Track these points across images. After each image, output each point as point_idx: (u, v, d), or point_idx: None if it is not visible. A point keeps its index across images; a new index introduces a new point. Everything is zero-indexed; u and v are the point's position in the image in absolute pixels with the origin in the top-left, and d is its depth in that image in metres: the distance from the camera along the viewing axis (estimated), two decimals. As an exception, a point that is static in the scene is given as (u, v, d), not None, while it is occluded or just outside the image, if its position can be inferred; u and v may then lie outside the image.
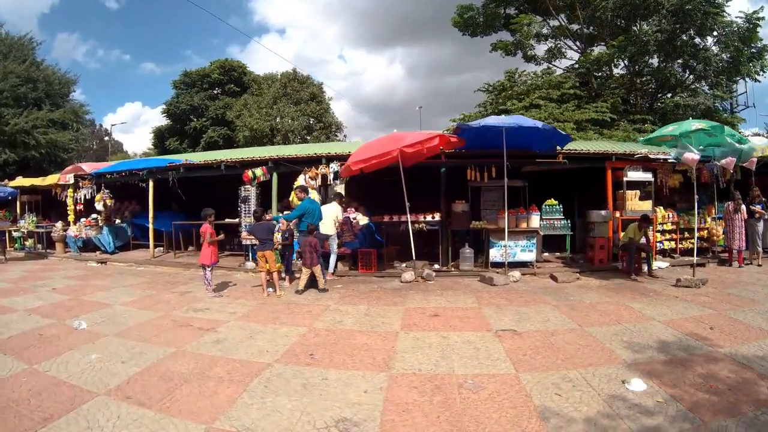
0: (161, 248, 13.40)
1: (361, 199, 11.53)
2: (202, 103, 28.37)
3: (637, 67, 19.53)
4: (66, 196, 14.14)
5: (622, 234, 9.64)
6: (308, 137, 25.50)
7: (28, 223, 15.12)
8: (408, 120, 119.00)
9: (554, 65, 22.10)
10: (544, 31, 21.58)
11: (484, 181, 10.37)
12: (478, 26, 22.29)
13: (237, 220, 11.63)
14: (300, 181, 10.43)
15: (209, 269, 8.03)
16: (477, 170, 10.39)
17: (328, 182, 10.43)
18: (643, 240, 9.11)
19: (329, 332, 5.64)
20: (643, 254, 9.07)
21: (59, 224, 14.50)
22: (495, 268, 9.49)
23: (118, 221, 13.82)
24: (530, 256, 9.86)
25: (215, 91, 28.96)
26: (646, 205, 10.27)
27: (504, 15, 22.12)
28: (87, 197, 13.57)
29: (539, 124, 8.98)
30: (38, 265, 12.23)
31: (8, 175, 17.22)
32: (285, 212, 10.12)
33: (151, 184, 12.54)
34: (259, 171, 10.78)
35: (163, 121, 29.71)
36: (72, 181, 13.78)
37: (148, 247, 13.91)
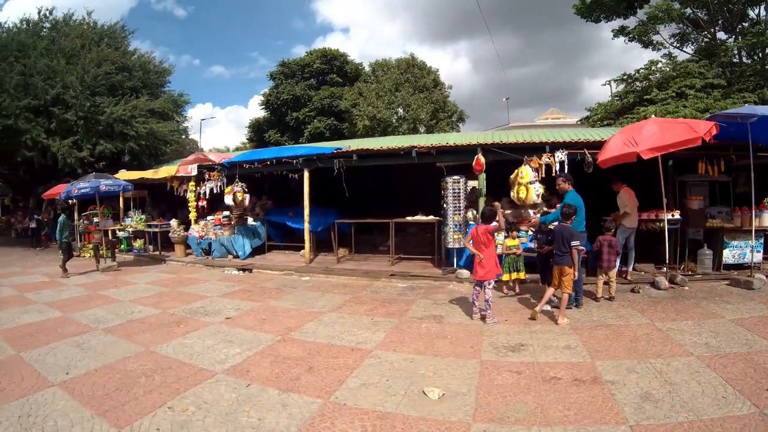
0: (304, 250, 10.79)
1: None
2: (305, 93, 25.67)
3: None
4: (185, 191, 11.61)
5: None
6: (435, 127, 22.87)
7: (136, 221, 12.61)
8: (475, 113, 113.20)
9: (684, 51, 19.78)
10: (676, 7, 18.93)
11: (714, 174, 7.97)
12: (605, 9, 19.70)
13: (430, 217, 9.45)
14: (527, 171, 7.76)
15: (490, 285, 5.34)
16: (708, 164, 7.95)
17: (553, 173, 7.74)
18: None
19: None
20: None
21: (174, 223, 11.98)
22: (726, 270, 7.70)
23: (250, 220, 11.20)
24: (758, 256, 7.94)
25: (315, 81, 26.36)
26: None
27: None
28: (215, 191, 11.03)
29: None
30: (164, 274, 9.64)
31: (105, 168, 14.80)
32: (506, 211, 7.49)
33: (306, 174, 9.92)
34: (482, 159, 8.13)
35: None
36: (195, 172, 11.24)
37: (283, 249, 11.41)
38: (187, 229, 11.58)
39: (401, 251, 10.22)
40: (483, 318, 5.35)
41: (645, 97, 17.48)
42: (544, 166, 7.89)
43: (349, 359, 4.28)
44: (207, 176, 11.06)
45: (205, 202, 11.26)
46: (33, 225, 15.26)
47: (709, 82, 16.69)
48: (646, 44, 20.18)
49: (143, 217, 12.72)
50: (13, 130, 14.09)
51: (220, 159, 11.13)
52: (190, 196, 11.30)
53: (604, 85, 22.20)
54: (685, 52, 20.08)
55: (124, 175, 12.90)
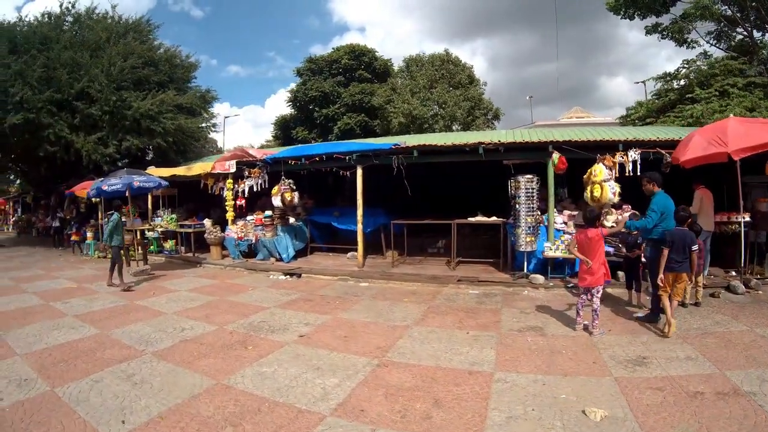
0: (352, 252, 9.65)
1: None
2: (333, 90, 24.57)
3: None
4: (221, 189, 10.46)
5: None
6: (471, 125, 21.69)
7: (166, 221, 11.48)
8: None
9: (719, 48, 18.69)
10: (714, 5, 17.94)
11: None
12: (639, 6, 18.76)
13: (493, 218, 8.40)
14: (601, 169, 7.06)
15: (599, 293, 4.73)
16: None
17: (626, 173, 7.24)
18: None
19: None
20: None
21: (208, 222, 10.84)
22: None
23: (292, 220, 10.01)
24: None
25: (344, 77, 25.23)
26: None
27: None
28: (256, 189, 9.87)
29: None
30: (204, 279, 8.46)
31: (128, 166, 13.71)
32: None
33: (360, 172, 8.78)
34: (556, 156, 7.07)
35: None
36: (233, 169, 10.09)
37: (325, 251, 10.30)
38: (223, 229, 10.41)
39: (449, 253, 9.33)
40: (585, 328, 4.79)
41: (687, 95, 16.74)
42: (617, 165, 7.25)
43: (474, 386, 3.50)
44: (246, 173, 9.90)
45: (243, 201, 10.11)
46: (56, 224, 14.19)
47: (750, 80, 15.79)
48: (680, 42, 19.41)
49: (174, 216, 11.58)
50: (35, 124, 13.06)
51: (261, 155, 9.99)
52: (228, 194, 10.14)
53: (637, 83, 21.21)
54: (721, 49, 19.13)
55: (154, 172, 11.77)
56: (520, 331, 4.79)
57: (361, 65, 25.07)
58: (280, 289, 7.46)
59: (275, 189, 9.45)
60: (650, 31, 19.94)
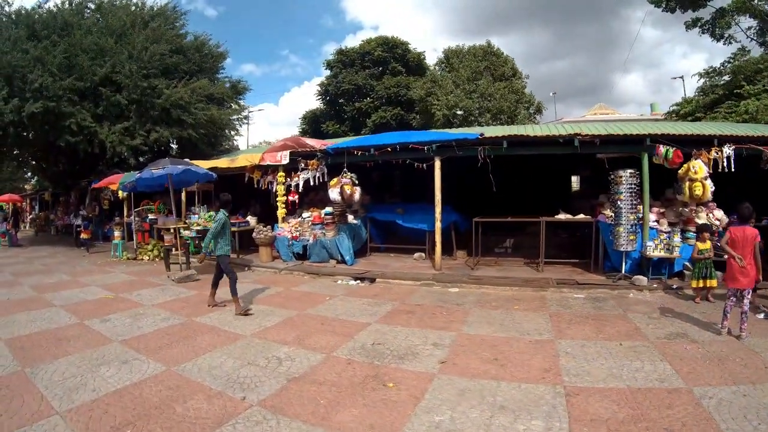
0: (419, 253, 8.15)
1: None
2: (367, 83, 23.05)
3: None
4: (271, 183, 8.92)
5: None
6: (516, 118, 20.17)
7: (204, 218, 9.94)
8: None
9: (758, 41, 17.64)
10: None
11: None
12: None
13: (580, 216, 7.47)
14: (701, 166, 6.31)
15: (749, 295, 4.27)
16: None
17: (720, 169, 6.54)
18: None
19: None
20: None
21: (252, 220, 9.32)
22: None
23: (351, 218, 8.48)
24: None
25: (377, 70, 23.78)
26: None
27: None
28: (313, 183, 8.34)
29: None
30: (264, 287, 6.91)
31: (159, 156, 12.19)
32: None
33: (438, 164, 7.33)
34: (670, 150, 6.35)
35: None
36: (285, 161, 8.54)
37: (383, 251, 8.87)
38: (272, 228, 8.87)
39: (520, 253, 8.88)
40: (729, 332, 4.28)
41: (735, 91, 15.71)
42: (711, 161, 6.55)
43: (687, 406, 2.86)
44: (302, 165, 8.36)
45: (296, 197, 8.57)
46: (78, 222, 12.64)
47: None
48: (718, 37, 18.88)
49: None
50: (55, 113, 11.55)
51: (320, 145, 8.45)
52: (279, 188, 8.60)
53: (674, 79, 20.54)
54: (759, 43, 18.17)
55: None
56: (669, 339, 4.18)
57: (394, 58, 23.55)
58: (362, 298, 5.96)
59: (333, 181, 7.94)
60: (690, 25, 19.49)
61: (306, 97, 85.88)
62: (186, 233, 9.64)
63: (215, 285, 5.59)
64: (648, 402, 2.92)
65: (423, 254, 8.70)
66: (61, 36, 12.72)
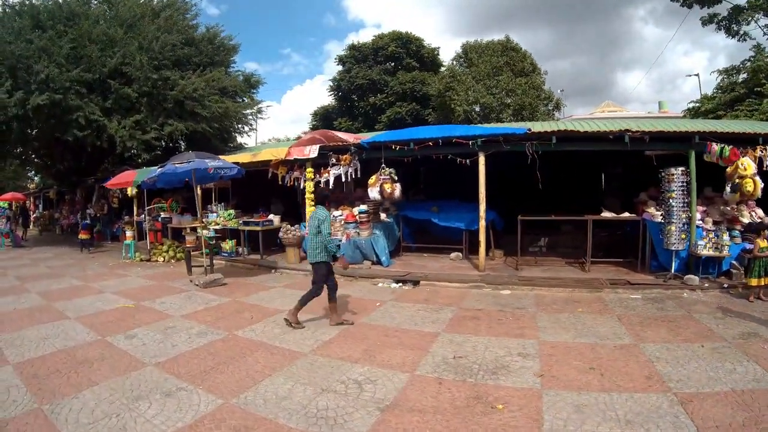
0: (456, 253, 7.44)
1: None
2: (381, 78, 22.23)
3: None
4: (295, 179, 8.15)
5: None
6: (537, 114, 19.44)
7: (224, 217, 9.15)
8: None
9: None
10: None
11: None
12: None
13: (625, 214, 6.97)
14: (749, 163, 5.98)
15: None
16: None
17: (764, 167, 6.20)
18: None
19: None
20: None
21: (276, 219, 8.57)
22: None
23: (383, 216, 7.74)
24: None
25: (391, 66, 23.09)
26: None
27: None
28: (346, 179, 7.59)
29: None
30: (296, 291, 6.15)
31: (162, 156, 11.37)
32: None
33: (482, 159, 6.64)
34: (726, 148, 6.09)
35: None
36: (314, 154, 7.77)
37: (415, 251, 8.22)
38: (300, 228, 8.09)
39: (556, 252, 8.58)
40: None
41: (755, 89, 15.43)
42: (757, 159, 6.25)
43: None
44: (334, 160, 7.60)
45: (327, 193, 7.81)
46: (87, 221, 11.80)
47: None
48: (734, 34, 18.35)
49: (231, 212, 9.25)
50: (61, 106, 10.73)
51: (353, 139, 7.71)
52: (308, 185, 7.83)
53: (689, 76, 19.90)
54: None
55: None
56: (744, 339, 3.94)
57: (408, 53, 22.75)
58: (415, 304, 5.28)
59: (372, 179, 7.21)
60: (706, 21, 18.84)
61: (310, 96, 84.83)
62: (204, 233, 8.87)
63: (333, 299, 4.51)
64: (757, 404, 2.79)
65: (460, 254, 8.00)
66: (67, 26, 11.90)
